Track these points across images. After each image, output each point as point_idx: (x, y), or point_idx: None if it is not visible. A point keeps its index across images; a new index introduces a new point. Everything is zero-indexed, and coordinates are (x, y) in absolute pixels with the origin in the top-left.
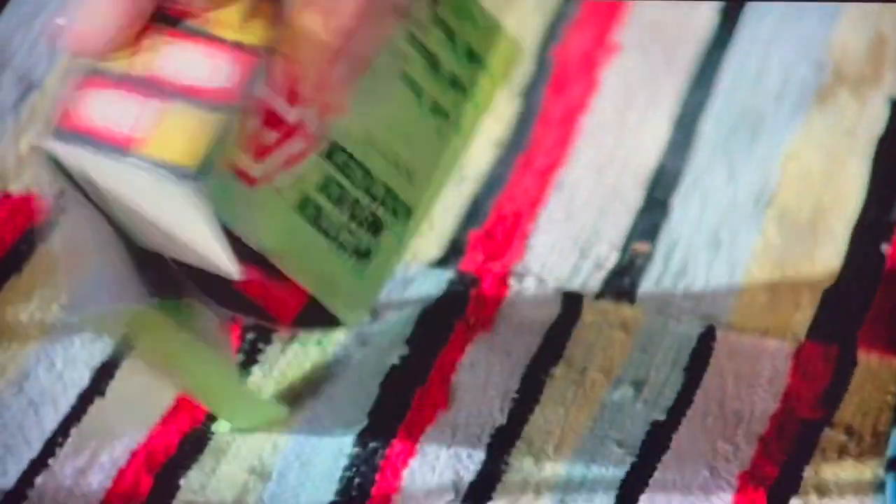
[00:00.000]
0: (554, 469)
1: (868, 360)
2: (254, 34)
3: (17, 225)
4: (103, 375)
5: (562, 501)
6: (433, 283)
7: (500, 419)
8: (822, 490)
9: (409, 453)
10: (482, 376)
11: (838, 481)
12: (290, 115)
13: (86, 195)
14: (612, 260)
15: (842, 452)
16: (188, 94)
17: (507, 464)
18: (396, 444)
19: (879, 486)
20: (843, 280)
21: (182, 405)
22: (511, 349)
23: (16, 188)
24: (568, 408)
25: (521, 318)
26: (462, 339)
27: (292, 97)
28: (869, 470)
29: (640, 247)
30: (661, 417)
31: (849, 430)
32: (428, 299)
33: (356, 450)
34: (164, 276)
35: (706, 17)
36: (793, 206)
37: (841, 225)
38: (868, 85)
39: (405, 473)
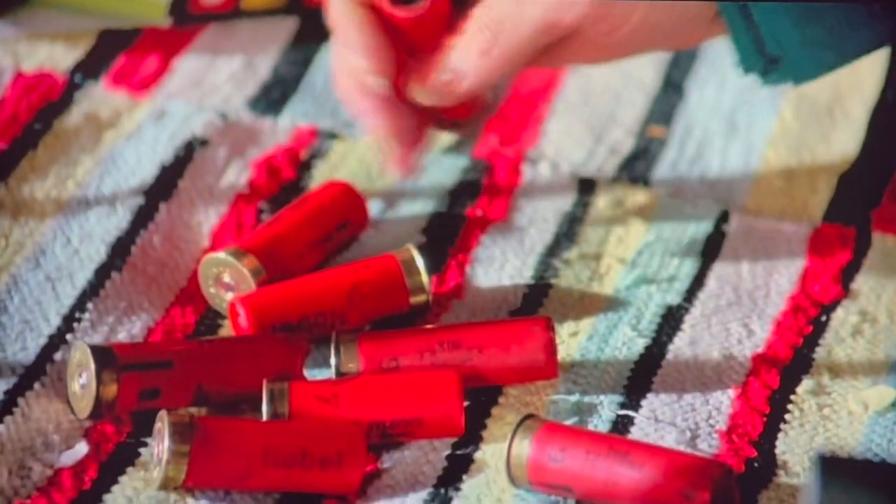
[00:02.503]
0: (568, 351)
1: (883, 241)
2: None
3: (32, 102)
4: (119, 251)
5: (575, 384)
6: (447, 171)
7: (515, 303)
8: (834, 371)
9: None
10: (497, 263)
11: (851, 362)
12: None
13: None
14: (627, 145)
15: (855, 334)
16: None
17: None
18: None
19: (892, 367)
20: (860, 163)
21: (197, 284)
22: (525, 235)
23: (29, 66)
24: (582, 292)
25: (536, 204)
26: (476, 226)
27: None
28: (882, 351)
29: (656, 131)
30: (676, 301)
31: (863, 312)
32: (441, 187)
33: None
34: None
35: None
36: (810, 90)
37: (858, 108)
38: None
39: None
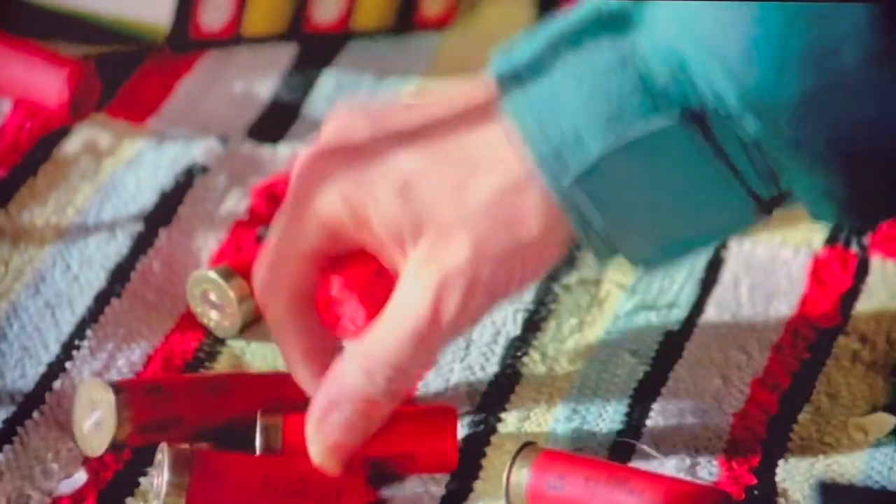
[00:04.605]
0: (567, 379)
1: (883, 267)
2: None
3: (33, 129)
4: (119, 277)
5: (574, 411)
6: None
7: (514, 330)
8: (834, 397)
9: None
10: None
11: (851, 389)
12: None
13: None
14: None
15: (855, 360)
16: None
17: (520, 374)
18: None
19: (892, 393)
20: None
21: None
22: None
23: None
24: (582, 318)
25: None
26: None
27: None
28: (881, 377)
29: None
30: (675, 327)
31: (862, 338)
32: None
33: None
34: None
35: None
36: None
37: None
38: None
39: (419, 385)
